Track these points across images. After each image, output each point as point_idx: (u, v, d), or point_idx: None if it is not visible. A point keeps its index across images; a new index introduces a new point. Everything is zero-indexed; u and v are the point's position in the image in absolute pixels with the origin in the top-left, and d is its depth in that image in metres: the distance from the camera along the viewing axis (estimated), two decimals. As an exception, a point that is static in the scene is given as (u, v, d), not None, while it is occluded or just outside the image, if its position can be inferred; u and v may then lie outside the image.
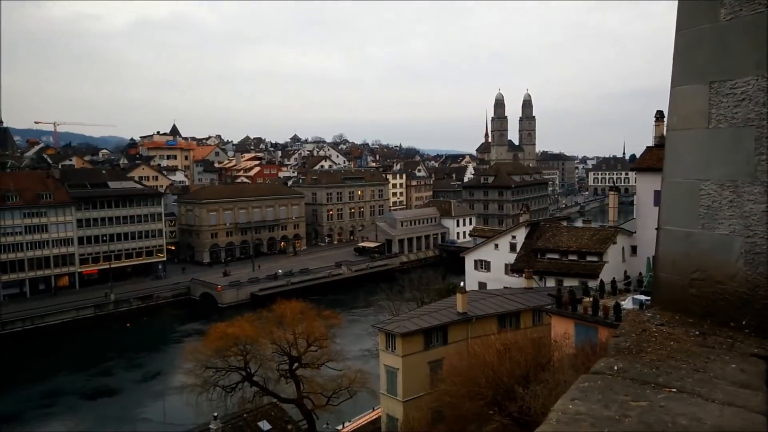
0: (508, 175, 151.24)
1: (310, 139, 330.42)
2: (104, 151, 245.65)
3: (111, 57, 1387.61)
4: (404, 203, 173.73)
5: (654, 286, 3.74)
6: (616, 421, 2.35)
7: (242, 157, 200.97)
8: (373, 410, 46.96)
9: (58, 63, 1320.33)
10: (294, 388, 41.80)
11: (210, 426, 27.67)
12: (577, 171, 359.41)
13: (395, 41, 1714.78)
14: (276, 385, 41.76)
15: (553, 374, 20.37)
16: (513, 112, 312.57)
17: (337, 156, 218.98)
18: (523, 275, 49.04)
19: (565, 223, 62.90)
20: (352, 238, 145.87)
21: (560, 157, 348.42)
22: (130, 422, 56.33)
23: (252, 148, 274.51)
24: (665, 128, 3.85)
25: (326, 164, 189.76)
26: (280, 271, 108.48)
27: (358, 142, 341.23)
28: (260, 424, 31.52)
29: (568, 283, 45.50)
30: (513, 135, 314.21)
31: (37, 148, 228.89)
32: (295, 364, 42.26)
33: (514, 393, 22.28)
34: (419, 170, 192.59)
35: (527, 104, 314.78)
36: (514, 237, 57.23)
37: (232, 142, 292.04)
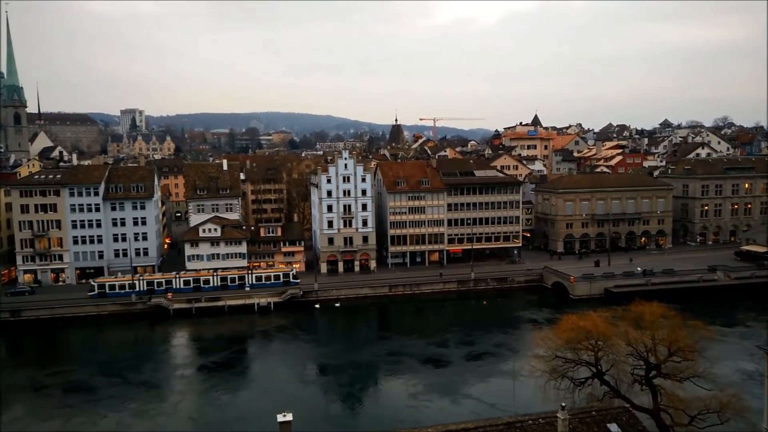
0: None
1: (683, 124, 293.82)
2: (472, 142, 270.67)
3: (483, 53, 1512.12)
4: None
5: None
6: None
7: (603, 146, 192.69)
8: (752, 447, 39.09)
9: (441, 65, 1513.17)
10: (650, 398, 38.21)
11: (557, 415, 27.50)
12: None
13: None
14: (628, 389, 38.86)
15: None
16: None
17: (719, 142, 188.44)
18: None
19: None
20: (732, 239, 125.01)
21: None
22: (453, 395, 59.57)
23: (614, 135, 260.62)
24: None
25: (703, 152, 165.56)
26: (638, 268, 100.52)
27: (748, 125, 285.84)
28: (610, 426, 29.67)
29: None
30: None
31: (420, 141, 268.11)
32: (653, 372, 38.53)
33: None
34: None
35: None
36: None
37: (592, 130, 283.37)
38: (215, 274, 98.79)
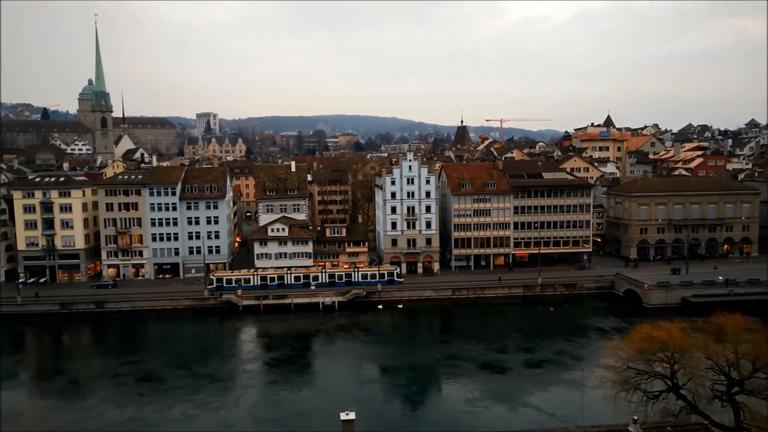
0: None
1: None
2: (541, 143, 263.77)
3: (553, 53, 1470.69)
4: None
5: None
6: None
7: (681, 147, 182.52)
8: None
9: (509, 65, 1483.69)
10: (731, 415, 35.72)
11: (629, 428, 26.28)
12: None
13: None
14: (707, 405, 36.55)
15: None
16: None
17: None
18: None
19: None
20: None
21: None
22: (511, 402, 57.82)
23: (694, 137, 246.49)
24: None
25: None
26: (720, 277, 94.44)
27: None
28: (685, 443, 28.08)
29: None
30: None
31: (486, 142, 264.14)
32: (735, 388, 36.03)
33: None
34: None
35: None
36: None
37: (670, 131, 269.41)
38: (324, 270, 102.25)
